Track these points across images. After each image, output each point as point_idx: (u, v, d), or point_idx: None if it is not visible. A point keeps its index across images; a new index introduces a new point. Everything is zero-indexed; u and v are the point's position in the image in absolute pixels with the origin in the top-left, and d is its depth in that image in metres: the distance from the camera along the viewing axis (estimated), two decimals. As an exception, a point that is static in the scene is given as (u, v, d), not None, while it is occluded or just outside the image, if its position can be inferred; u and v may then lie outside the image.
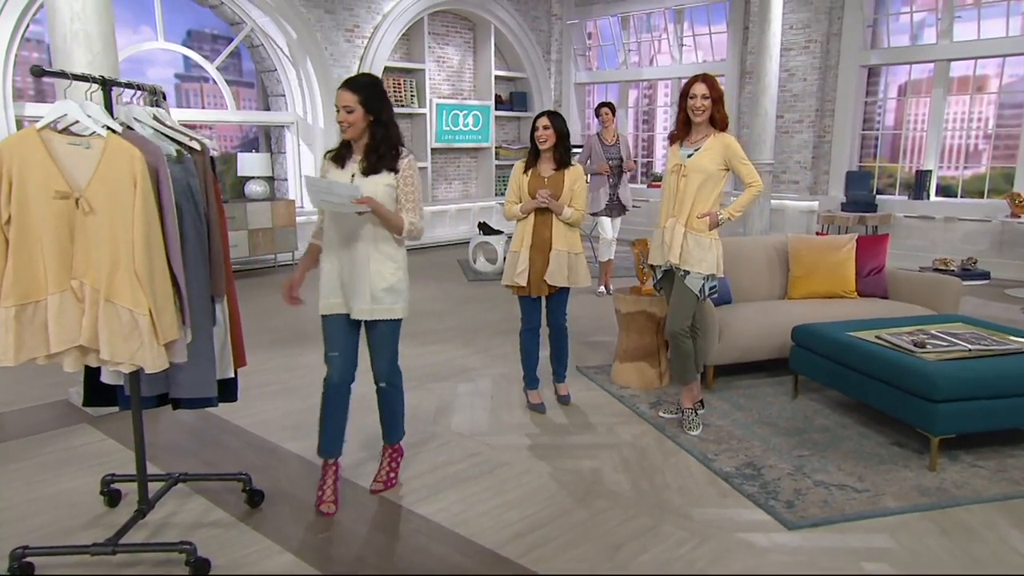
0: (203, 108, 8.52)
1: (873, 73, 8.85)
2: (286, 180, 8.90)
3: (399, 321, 2.97)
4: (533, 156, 3.83)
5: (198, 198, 2.59)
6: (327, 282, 2.94)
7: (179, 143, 2.60)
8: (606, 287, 6.94)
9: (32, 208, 2.29)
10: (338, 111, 2.77)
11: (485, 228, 7.95)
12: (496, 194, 10.69)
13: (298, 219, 8.21)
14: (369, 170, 2.82)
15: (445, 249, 9.79)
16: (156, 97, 2.73)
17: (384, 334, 2.97)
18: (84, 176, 2.25)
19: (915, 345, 3.57)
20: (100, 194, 2.22)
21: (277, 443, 3.55)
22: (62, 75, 2.28)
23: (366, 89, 2.78)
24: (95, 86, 2.40)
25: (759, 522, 2.83)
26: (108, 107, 2.45)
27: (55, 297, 2.30)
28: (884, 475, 3.21)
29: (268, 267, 8.32)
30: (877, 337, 3.76)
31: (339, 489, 2.98)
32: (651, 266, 3.83)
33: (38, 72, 2.22)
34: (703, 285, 3.55)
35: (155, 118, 2.60)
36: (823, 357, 3.91)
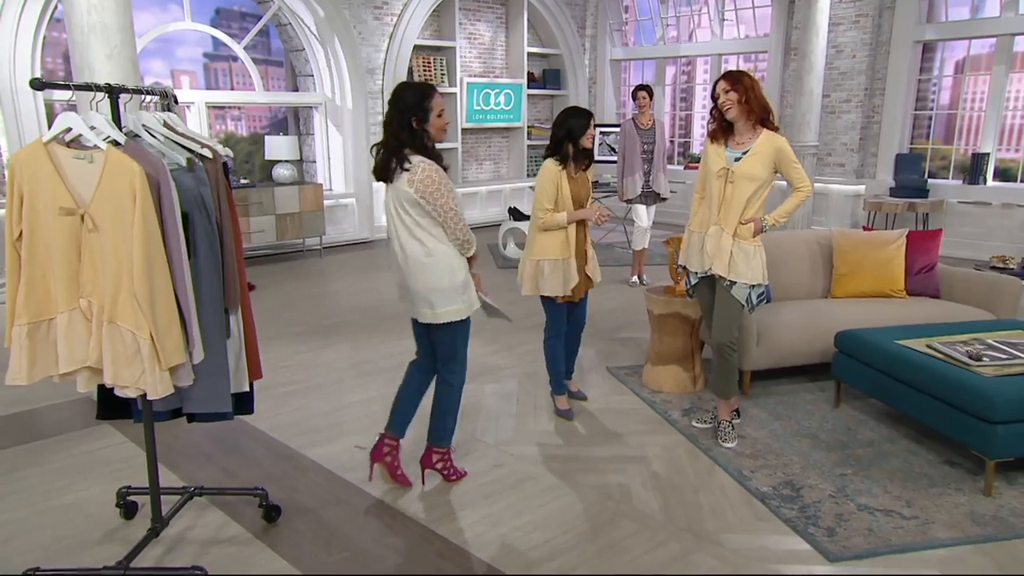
0: (232, 89, 8.44)
1: (928, 49, 8.36)
2: (315, 162, 8.80)
3: None
4: (580, 157, 3.63)
5: (210, 208, 2.47)
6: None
7: (190, 151, 2.48)
8: (639, 276, 6.74)
9: (42, 225, 2.21)
10: (440, 115, 2.85)
11: (516, 213, 7.77)
12: (528, 175, 10.47)
13: (326, 203, 8.13)
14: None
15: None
16: (168, 101, 2.61)
17: None
18: (89, 191, 2.15)
19: (970, 357, 3.32)
20: (103, 211, 2.12)
21: (297, 449, 3.48)
22: (64, 86, 2.16)
23: None
24: (101, 95, 2.28)
25: (798, 552, 2.67)
26: (115, 115, 2.34)
27: (64, 316, 2.22)
28: (934, 499, 3.01)
29: (296, 251, 8.28)
30: (928, 346, 3.52)
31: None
32: (684, 268, 3.65)
33: (38, 85, 2.11)
34: (750, 294, 3.38)
35: (166, 124, 2.48)
36: (869, 367, 3.68)
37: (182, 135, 2.49)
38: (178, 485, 3.05)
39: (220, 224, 2.53)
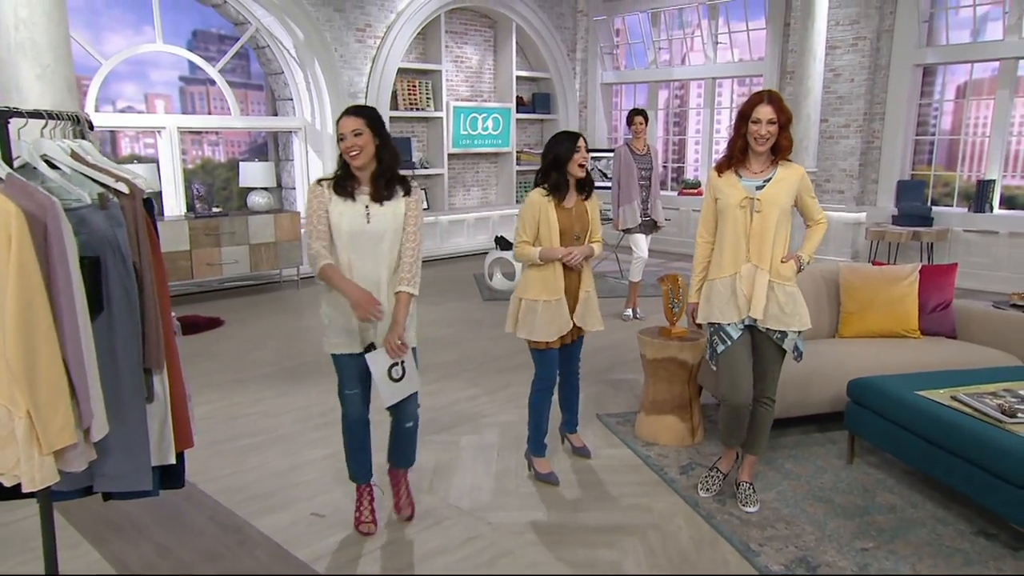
0: (209, 113, 8.11)
1: (929, 73, 8.12)
2: (294, 189, 8.46)
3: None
4: (563, 186, 3.20)
5: (126, 251, 2.10)
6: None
7: (104, 185, 2.11)
8: (633, 310, 6.37)
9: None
10: (343, 139, 2.67)
11: (502, 243, 7.42)
12: (518, 202, 10.14)
13: (303, 232, 7.76)
14: (383, 197, 2.74)
15: (461, 261, 9.28)
16: (80, 127, 2.25)
17: None
18: (-39, 236, 1.77)
19: (1003, 412, 2.96)
20: (-26, 261, 1.74)
21: (245, 518, 3.06)
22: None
23: (371, 113, 2.75)
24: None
25: (818, 653, 2.27)
26: (4, 143, 1.97)
27: (-68, 385, 1.83)
28: (971, 582, 2.62)
29: (272, 283, 7.88)
30: (953, 399, 3.16)
31: (376, 510, 3.02)
32: (711, 325, 3.06)
33: None
34: (797, 343, 3.03)
35: (73, 155, 2.12)
36: (887, 420, 3.31)
37: (93, 166, 2.13)
38: (97, 573, 2.63)
39: (140, 270, 2.16)
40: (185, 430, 2.38)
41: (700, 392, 3.97)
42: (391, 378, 2.71)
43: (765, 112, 2.85)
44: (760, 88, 9.01)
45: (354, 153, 2.65)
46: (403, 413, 2.92)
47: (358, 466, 3.00)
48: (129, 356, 2.12)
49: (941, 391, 3.25)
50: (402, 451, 3.06)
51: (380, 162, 2.72)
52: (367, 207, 2.70)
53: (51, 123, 2.11)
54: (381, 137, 2.71)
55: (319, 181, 2.77)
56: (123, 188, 2.13)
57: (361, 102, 8.32)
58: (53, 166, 2.05)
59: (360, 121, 2.66)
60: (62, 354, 1.81)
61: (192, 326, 6.02)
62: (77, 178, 2.08)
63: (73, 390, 1.84)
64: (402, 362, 2.74)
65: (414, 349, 2.84)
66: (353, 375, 2.83)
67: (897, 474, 3.44)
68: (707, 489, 3.24)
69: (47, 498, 2.13)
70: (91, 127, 2.27)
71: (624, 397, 4.50)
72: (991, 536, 2.90)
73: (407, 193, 2.77)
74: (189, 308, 6.68)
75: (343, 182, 2.72)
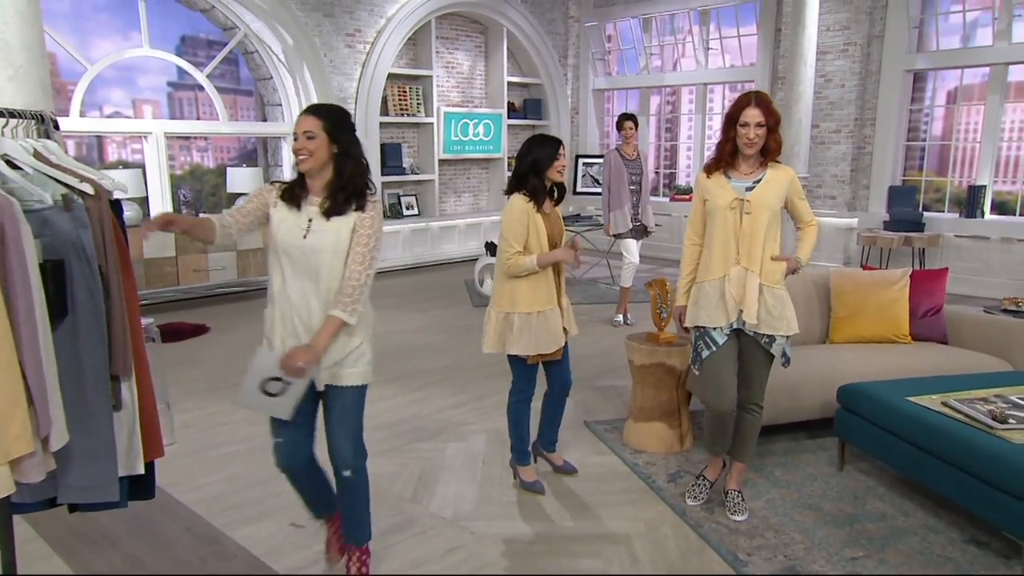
0: (198, 119, 8.06)
1: (919, 78, 8.11)
2: (283, 195, 8.39)
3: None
4: (542, 192, 3.12)
5: (91, 254, 2.04)
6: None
7: (68, 186, 2.05)
8: (624, 316, 6.32)
9: None
10: (296, 139, 2.35)
11: (493, 248, 7.37)
12: (509, 207, 10.10)
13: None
14: (333, 211, 2.36)
15: (453, 267, 9.22)
16: (45, 126, 2.19)
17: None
18: (-88, 238, 1.71)
19: (994, 418, 2.91)
20: (-74, 263, 1.68)
21: (222, 528, 2.99)
22: None
23: (332, 115, 2.39)
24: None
25: (806, 666, 2.21)
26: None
27: None
28: (962, 592, 2.56)
29: (259, 290, 7.80)
30: (944, 404, 3.11)
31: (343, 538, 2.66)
32: (697, 329, 3.00)
33: None
34: (785, 348, 2.97)
35: (36, 154, 2.06)
36: (877, 426, 3.26)
37: (57, 167, 2.06)
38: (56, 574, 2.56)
39: (106, 273, 2.10)
40: (155, 439, 2.30)
41: (689, 398, 3.92)
42: (263, 390, 2.28)
43: (753, 115, 2.80)
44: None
45: (302, 157, 2.32)
46: (335, 455, 2.45)
47: (311, 507, 2.67)
48: (94, 362, 2.05)
49: (932, 397, 3.20)
50: (348, 516, 2.56)
51: (339, 174, 2.36)
52: (310, 220, 2.34)
53: (13, 122, 2.05)
54: (340, 144, 2.35)
55: (272, 182, 2.47)
56: (88, 189, 2.06)
57: (351, 107, 8.27)
58: (15, 166, 1.99)
59: (316, 123, 2.32)
60: (19, 360, 1.74)
61: (177, 333, 5.93)
62: (40, 179, 2.01)
63: (31, 397, 1.77)
64: (289, 384, 2.27)
65: (361, 388, 2.44)
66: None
67: (888, 481, 3.39)
68: (695, 497, 3.18)
69: (5, 508, 2.05)
70: (56, 127, 2.20)
71: (613, 404, 4.44)
72: (982, 544, 2.85)
73: (359, 209, 2.37)
74: (175, 315, 6.60)
75: (293, 189, 2.40)
